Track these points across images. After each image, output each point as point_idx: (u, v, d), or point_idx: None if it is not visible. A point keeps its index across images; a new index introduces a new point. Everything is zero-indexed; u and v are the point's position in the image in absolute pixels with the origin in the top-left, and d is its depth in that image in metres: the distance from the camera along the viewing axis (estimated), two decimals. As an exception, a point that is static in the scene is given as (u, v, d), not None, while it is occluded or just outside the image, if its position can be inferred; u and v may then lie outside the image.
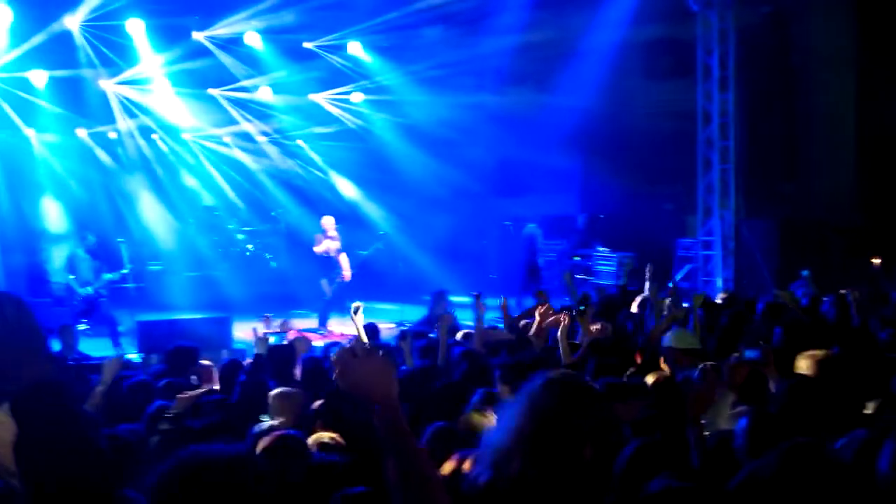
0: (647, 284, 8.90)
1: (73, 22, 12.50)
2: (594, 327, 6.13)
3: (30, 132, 14.98)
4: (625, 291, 9.34)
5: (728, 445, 3.18)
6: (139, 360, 8.80)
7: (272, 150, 16.81)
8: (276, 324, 7.06)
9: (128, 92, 14.49)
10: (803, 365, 4.18)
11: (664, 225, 14.66)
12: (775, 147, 14.47)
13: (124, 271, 11.66)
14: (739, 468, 3.00)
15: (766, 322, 6.86)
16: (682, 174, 14.22)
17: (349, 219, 15.25)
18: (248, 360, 5.88)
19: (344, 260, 12.87)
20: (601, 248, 14.84)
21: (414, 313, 11.96)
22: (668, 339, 5.35)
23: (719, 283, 13.48)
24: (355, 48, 14.62)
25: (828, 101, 14.09)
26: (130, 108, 14.81)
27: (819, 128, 14.31)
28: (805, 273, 9.37)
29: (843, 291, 7.57)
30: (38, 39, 12.40)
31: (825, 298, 7.98)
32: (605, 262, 14.44)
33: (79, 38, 12.79)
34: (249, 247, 15.83)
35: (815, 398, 3.43)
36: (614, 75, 14.11)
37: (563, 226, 15.99)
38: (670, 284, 13.28)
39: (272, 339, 6.92)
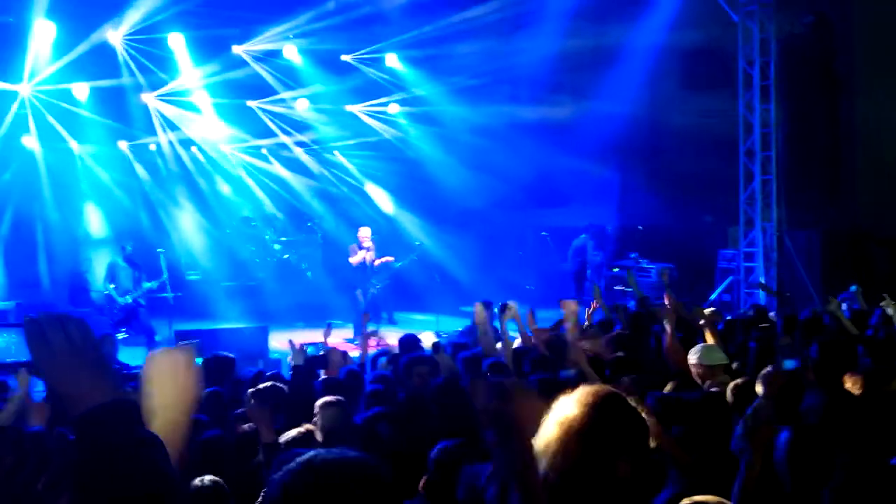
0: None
1: (115, 36, 12.73)
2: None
3: (72, 144, 15.28)
4: (645, 304, 9.11)
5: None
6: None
7: (309, 161, 16.94)
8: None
9: (168, 104, 14.72)
10: (849, 381, 4.06)
11: (705, 236, 14.46)
12: (818, 157, 14.21)
13: (163, 279, 11.79)
14: (779, 480, 2.92)
15: (805, 336, 6.68)
16: (722, 184, 14.00)
17: (385, 229, 15.28)
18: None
19: (384, 259, 12.91)
20: (640, 260, 14.67)
21: (450, 324, 11.92)
22: (696, 354, 5.22)
23: (761, 295, 13.22)
24: (392, 60, 14.70)
25: (872, 110, 13.80)
26: (170, 121, 15.04)
27: (863, 137, 14.03)
28: (853, 288, 9.11)
29: (881, 304, 7.38)
30: (81, 51, 12.65)
31: (876, 311, 7.76)
32: (644, 274, 14.26)
33: (121, 52, 13.02)
34: (286, 256, 15.92)
35: (859, 414, 3.33)
36: (653, 85, 13.99)
37: (602, 236, 15.85)
38: (712, 297, 13.20)
39: (309, 350, 6.95)
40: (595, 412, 2.20)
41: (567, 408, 2.24)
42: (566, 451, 2.16)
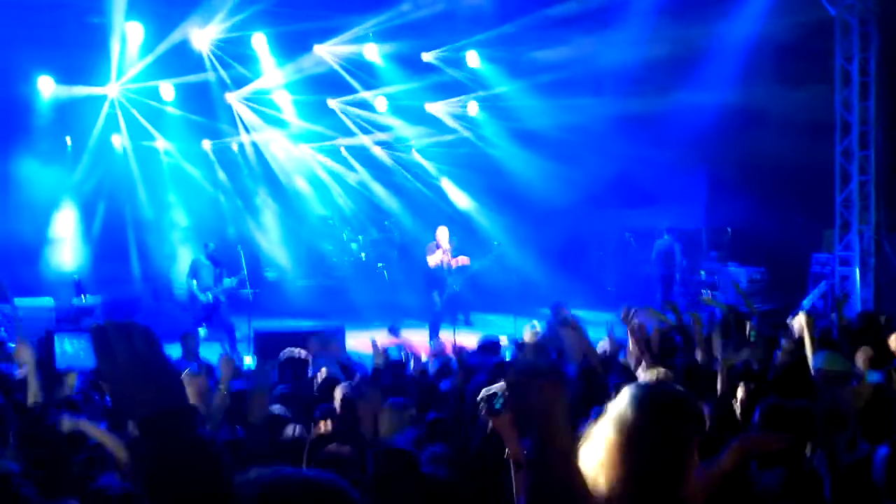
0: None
1: (200, 36, 12.97)
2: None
3: (158, 143, 15.68)
4: (736, 313, 8.66)
5: (858, 472, 3.03)
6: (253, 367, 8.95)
7: (387, 161, 16.97)
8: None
9: (250, 103, 14.96)
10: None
11: (797, 238, 13.85)
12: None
13: (242, 276, 11.92)
14: (878, 498, 2.83)
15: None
16: (816, 185, 13.39)
17: (463, 229, 15.15)
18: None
19: (460, 262, 12.74)
20: (730, 263, 14.18)
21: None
22: (820, 361, 4.97)
23: (857, 301, 12.58)
24: (473, 58, 14.57)
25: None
26: (252, 120, 15.28)
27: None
28: None
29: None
30: (167, 52, 12.95)
31: None
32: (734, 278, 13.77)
33: (205, 52, 13.27)
34: (362, 255, 15.98)
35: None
36: (745, 80, 13.49)
37: (688, 239, 15.38)
38: (805, 303, 12.61)
39: (391, 353, 6.86)
40: (653, 413, 2.10)
41: (623, 410, 2.13)
42: (628, 457, 2.06)
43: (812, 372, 4.95)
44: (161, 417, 1.42)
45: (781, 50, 13.30)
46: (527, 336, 7.18)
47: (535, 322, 7.60)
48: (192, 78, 13.79)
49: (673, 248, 13.96)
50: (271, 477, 1.49)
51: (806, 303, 12.92)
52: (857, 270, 12.90)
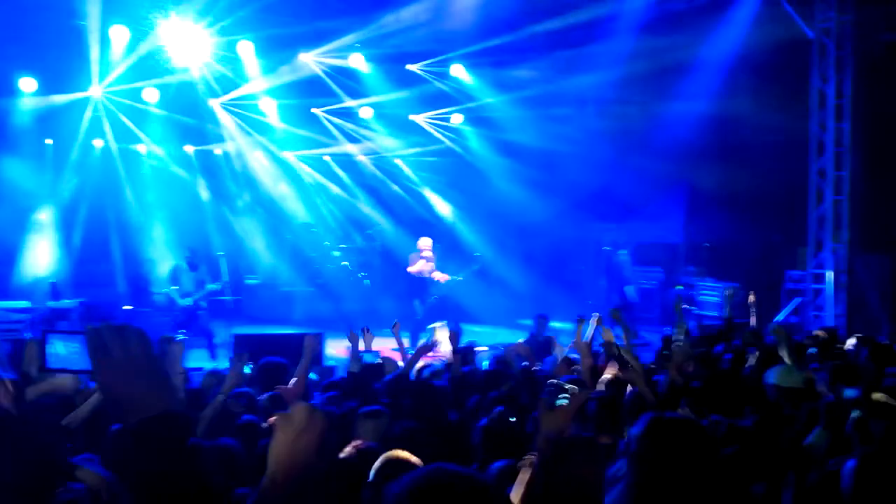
0: (752, 316, 8.49)
1: (185, 41, 12.89)
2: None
3: (140, 147, 15.59)
4: (730, 323, 8.82)
5: (828, 487, 3.11)
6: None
7: (370, 169, 17.01)
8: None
9: (234, 110, 14.93)
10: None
11: (772, 255, 14.09)
12: (893, 179, 13.73)
13: (223, 282, 11.87)
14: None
15: (872, 363, 6.40)
16: (792, 204, 13.64)
17: (445, 239, 15.23)
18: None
19: (439, 276, 12.80)
20: (706, 278, 14.38)
21: (507, 337, 11.79)
22: (774, 376, 5.00)
23: (831, 318, 12.83)
24: (458, 71, 14.68)
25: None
26: (236, 126, 15.24)
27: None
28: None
29: None
30: (151, 55, 12.86)
31: None
32: (710, 293, 13.96)
33: (191, 58, 13.19)
34: (345, 263, 15.96)
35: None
36: (723, 100, 13.71)
37: (665, 253, 15.58)
38: (779, 318, 12.84)
39: (366, 358, 6.86)
40: (656, 438, 2.19)
41: (643, 441, 2.22)
42: (647, 486, 2.14)
43: (767, 388, 4.99)
44: (155, 422, 1.43)
45: (760, 70, 13.54)
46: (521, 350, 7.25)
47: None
48: (175, 81, 13.71)
49: (623, 263, 14.16)
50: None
51: (780, 318, 13.16)
52: (831, 288, 13.15)
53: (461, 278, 13.85)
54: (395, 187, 17.13)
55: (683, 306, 12.71)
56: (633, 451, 2.22)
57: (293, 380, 5.75)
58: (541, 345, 8.92)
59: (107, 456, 3.84)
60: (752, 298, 8.19)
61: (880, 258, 13.14)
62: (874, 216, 13.30)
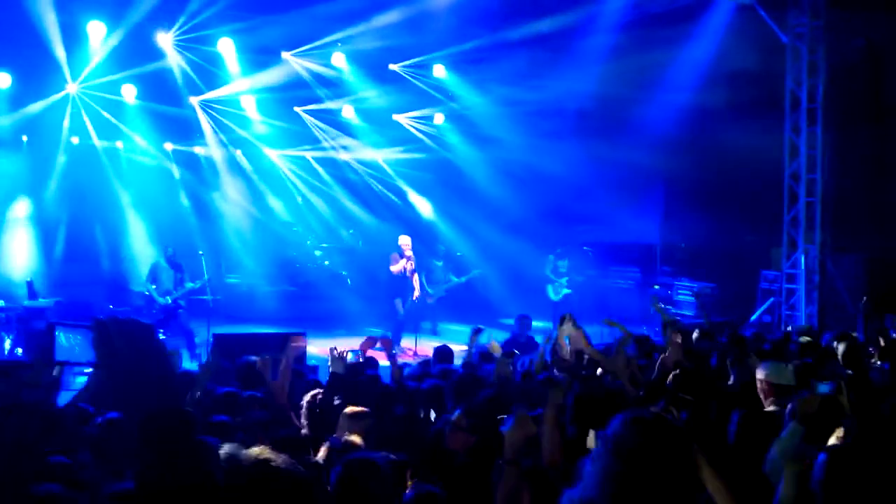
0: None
1: (165, 39, 12.84)
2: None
3: (118, 144, 15.46)
4: (710, 325, 8.99)
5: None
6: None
7: (352, 168, 17.02)
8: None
9: (215, 108, 14.85)
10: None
11: (747, 256, 14.35)
12: (864, 181, 14.06)
13: (203, 281, 11.82)
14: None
15: (847, 362, 6.58)
16: (766, 205, 13.91)
17: (426, 240, 15.30)
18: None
19: (415, 280, 12.89)
20: (681, 278, 14.62)
21: (486, 336, 11.86)
22: (765, 371, 5.12)
23: (802, 317, 13.12)
24: (440, 71, 14.75)
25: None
26: (216, 124, 15.17)
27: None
28: None
29: None
30: (130, 53, 12.77)
31: None
32: (685, 293, 14.19)
33: (170, 54, 13.12)
34: (326, 262, 15.97)
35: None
36: (699, 104, 13.94)
37: (642, 254, 15.78)
38: (753, 318, 13.10)
39: (349, 357, 6.89)
40: (645, 436, 2.23)
41: (618, 430, 2.27)
42: (615, 473, 2.19)
43: (757, 383, 5.10)
44: (159, 416, 1.48)
45: (734, 75, 13.78)
46: (493, 348, 7.34)
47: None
48: (155, 79, 13.61)
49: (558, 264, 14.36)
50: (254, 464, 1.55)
51: (754, 317, 13.42)
52: (803, 287, 13.43)
53: (457, 283, 13.97)
54: (377, 186, 17.16)
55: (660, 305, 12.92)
56: (612, 448, 2.26)
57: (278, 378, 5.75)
58: (523, 345, 9.01)
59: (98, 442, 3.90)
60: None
61: (852, 258, 13.45)
62: (846, 217, 13.61)
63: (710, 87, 13.90)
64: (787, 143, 13.56)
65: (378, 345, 7.07)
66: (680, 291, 14.54)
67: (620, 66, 13.35)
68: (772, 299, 13.70)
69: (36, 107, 13.67)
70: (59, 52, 12.53)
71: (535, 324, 10.40)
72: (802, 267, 13.46)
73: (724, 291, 14.36)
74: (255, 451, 1.74)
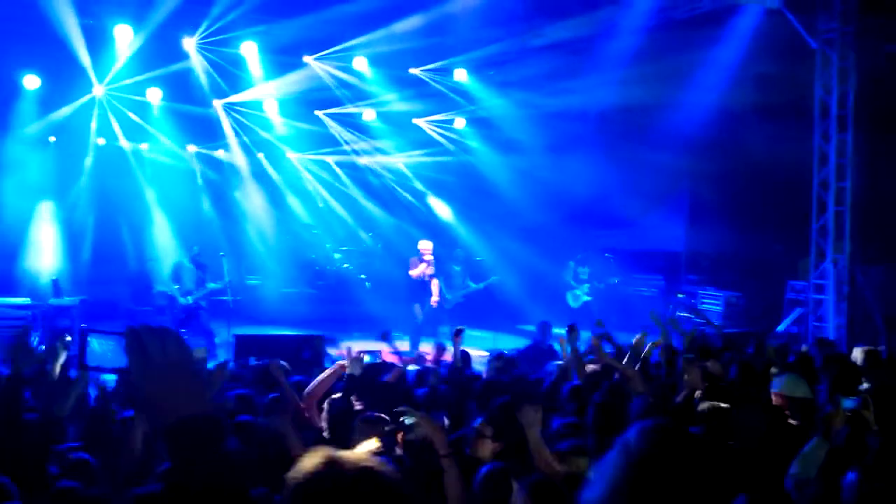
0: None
1: (189, 43, 12.97)
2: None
3: (143, 146, 15.63)
4: (723, 337, 8.82)
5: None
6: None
7: (372, 172, 17.04)
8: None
9: (237, 111, 14.96)
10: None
11: (774, 266, 14.07)
12: (894, 190, 13.72)
13: (224, 282, 11.89)
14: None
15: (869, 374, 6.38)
16: (794, 214, 13.62)
17: (446, 244, 15.23)
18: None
19: (434, 286, 12.81)
20: (707, 287, 14.40)
21: (507, 342, 11.78)
22: (780, 385, 4.98)
23: (831, 329, 12.81)
24: (461, 75, 14.71)
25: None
26: (239, 127, 15.28)
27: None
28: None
29: None
30: (156, 56, 12.92)
31: None
32: (711, 301, 13.95)
33: (195, 58, 13.25)
34: (346, 265, 15.98)
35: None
36: (725, 110, 13.71)
37: (666, 262, 15.57)
38: (780, 329, 12.82)
39: (366, 359, 6.86)
40: (660, 447, 2.09)
41: (633, 439, 2.13)
42: (626, 484, 2.06)
43: (772, 395, 5.00)
44: (190, 424, 1.47)
45: (762, 80, 13.55)
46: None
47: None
48: (179, 81, 13.76)
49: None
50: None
51: (781, 328, 13.15)
52: (832, 299, 13.12)
53: (475, 288, 13.89)
54: (398, 190, 17.15)
55: (682, 314, 12.76)
56: (623, 454, 2.16)
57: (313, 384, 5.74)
58: (545, 352, 8.95)
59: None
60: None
61: (882, 269, 13.13)
62: (876, 227, 13.29)
63: (737, 92, 13.67)
64: (817, 151, 13.26)
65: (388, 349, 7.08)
66: (705, 300, 14.30)
67: (644, 70, 13.19)
68: (799, 310, 13.40)
69: (64, 109, 13.89)
70: (86, 55, 12.74)
71: (554, 330, 10.27)
72: (831, 277, 13.16)
73: (750, 301, 14.10)
74: (357, 456, 1.72)
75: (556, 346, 7.78)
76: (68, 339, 5.94)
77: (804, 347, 8.90)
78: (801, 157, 13.37)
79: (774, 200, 13.99)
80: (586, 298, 13.89)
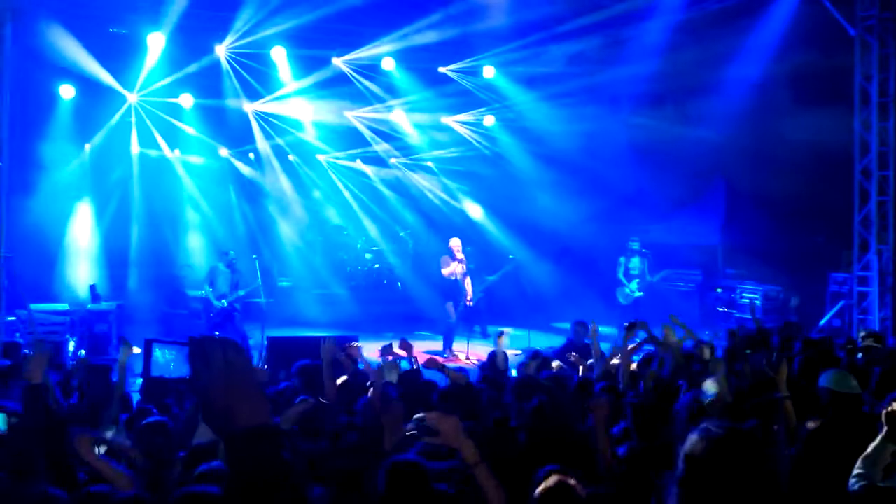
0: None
1: (220, 48, 13.12)
2: None
3: (176, 151, 15.79)
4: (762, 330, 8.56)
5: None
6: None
7: (402, 172, 17.03)
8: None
9: (268, 114, 15.07)
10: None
11: (815, 258, 13.73)
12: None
13: (257, 284, 11.96)
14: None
15: None
16: (835, 204, 13.28)
17: (476, 242, 15.13)
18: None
19: (468, 284, 12.72)
20: (746, 281, 14.11)
21: (541, 340, 11.65)
22: (827, 380, 4.81)
23: (876, 321, 12.46)
24: (489, 72, 14.63)
25: None
26: (269, 130, 15.38)
27: None
28: None
29: None
30: (187, 62, 13.08)
31: None
32: (751, 296, 13.65)
33: (225, 64, 13.39)
34: (377, 265, 15.98)
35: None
36: (763, 99, 13.45)
37: (703, 255, 15.28)
38: (822, 322, 12.51)
39: (403, 365, 6.80)
40: (719, 449, 2.12)
41: (693, 440, 2.18)
42: (686, 484, 2.12)
43: (819, 390, 4.84)
44: (251, 435, 1.49)
45: (801, 68, 13.24)
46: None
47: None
48: (210, 86, 13.92)
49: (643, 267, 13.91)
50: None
51: (823, 322, 12.83)
52: (876, 291, 12.77)
53: (493, 279, 13.76)
54: (427, 189, 17.10)
55: (721, 309, 12.48)
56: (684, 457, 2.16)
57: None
58: (580, 351, 8.84)
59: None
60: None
61: (927, 260, 12.75)
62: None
63: (774, 81, 13.42)
64: (858, 139, 12.92)
65: (398, 350, 7.00)
66: (744, 294, 13.99)
67: (678, 60, 13.01)
68: (842, 303, 13.06)
69: (99, 117, 14.09)
70: (120, 62, 12.93)
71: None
72: (875, 269, 12.80)
73: (791, 295, 13.79)
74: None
75: (603, 346, 7.62)
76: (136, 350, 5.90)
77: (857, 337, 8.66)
78: (841, 146, 13.05)
79: (813, 191, 13.64)
80: (638, 294, 13.64)
